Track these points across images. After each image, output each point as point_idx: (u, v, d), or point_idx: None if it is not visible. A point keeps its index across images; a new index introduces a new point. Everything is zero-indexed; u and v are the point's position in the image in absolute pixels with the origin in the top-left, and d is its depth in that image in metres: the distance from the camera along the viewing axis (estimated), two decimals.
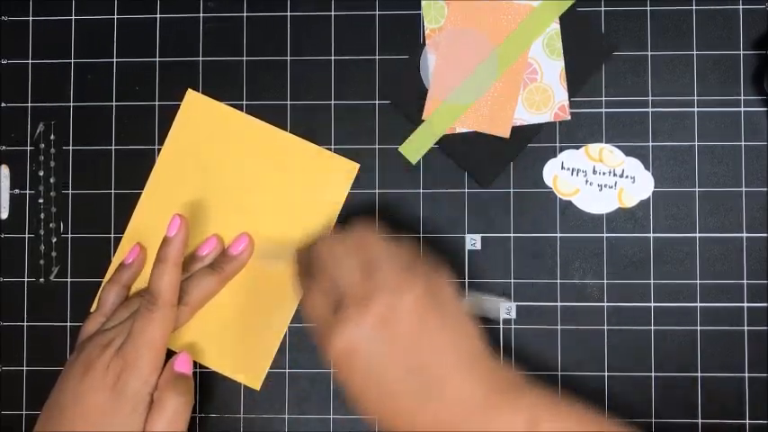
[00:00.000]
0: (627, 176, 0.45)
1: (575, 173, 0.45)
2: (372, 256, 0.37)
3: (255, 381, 0.45)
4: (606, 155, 0.45)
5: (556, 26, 0.45)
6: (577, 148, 0.45)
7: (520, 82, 0.45)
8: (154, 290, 0.41)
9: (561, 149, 0.45)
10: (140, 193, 0.47)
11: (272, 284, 0.46)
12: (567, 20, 0.45)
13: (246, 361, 0.45)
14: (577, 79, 0.45)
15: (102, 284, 0.46)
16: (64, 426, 0.39)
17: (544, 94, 0.45)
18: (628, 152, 0.45)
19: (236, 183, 0.46)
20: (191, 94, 0.46)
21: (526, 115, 0.45)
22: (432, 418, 0.34)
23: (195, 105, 0.46)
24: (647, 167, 0.45)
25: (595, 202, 0.45)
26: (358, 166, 0.46)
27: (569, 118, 0.45)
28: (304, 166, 0.46)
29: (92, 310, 0.46)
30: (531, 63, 0.45)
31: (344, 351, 0.35)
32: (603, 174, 0.45)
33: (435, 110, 0.45)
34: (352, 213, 0.46)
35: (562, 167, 0.45)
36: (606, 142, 0.45)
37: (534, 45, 0.45)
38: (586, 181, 0.45)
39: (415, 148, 0.45)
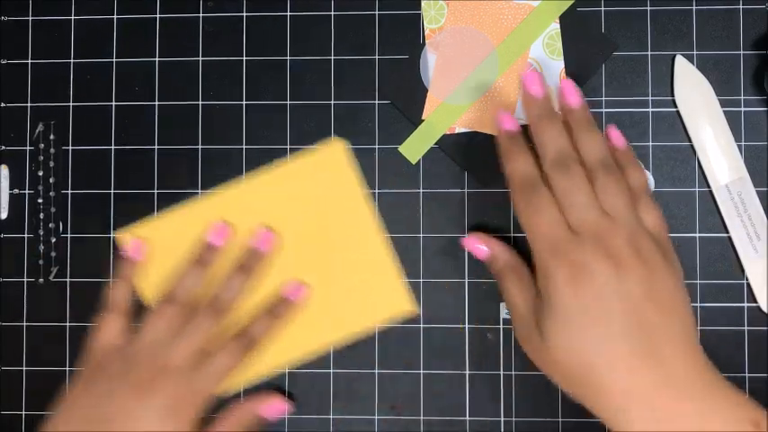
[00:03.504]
0: None
1: None
2: (605, 195, 0.37)
3: (408, 304, 0.45)
4: None
5: (556, 26, 0.45)
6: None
7: (519, 82, 0.45)
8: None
9: None
10: (140, 192, 0.46)
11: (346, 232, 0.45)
12: (567, 20, 0.45)
13: (385, 303, 0.45)
14: (578, 79, 0.45)
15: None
16: None
17: None
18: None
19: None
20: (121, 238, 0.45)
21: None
22: (650, 379, 0.34)
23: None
24: (645, 167, 0.45)
25: None
26: (342, 141, 0.46)
27: None
28: (298, 187, 0.45)
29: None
30: (531, 63, 0.45)
31: (581, 269, 0.35)
32: None
33: (435, 110, 0.45)
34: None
35: None
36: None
37: (534, 45, 0.45)
38: None
39: (414, 147, 0.45)
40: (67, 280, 0.46)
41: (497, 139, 0.41)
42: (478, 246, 0.43)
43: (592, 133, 0.39)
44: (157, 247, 0.45)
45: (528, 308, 0.38)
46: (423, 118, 0.45)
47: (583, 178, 0.37)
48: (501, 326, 0.45)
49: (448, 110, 0.45)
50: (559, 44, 0.45)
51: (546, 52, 0.45)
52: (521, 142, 0.40)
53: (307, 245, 0.45)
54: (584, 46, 0.45)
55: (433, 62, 0.45)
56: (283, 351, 0.45)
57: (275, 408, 0.44)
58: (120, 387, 0.40)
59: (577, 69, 0.45)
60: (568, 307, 0.35)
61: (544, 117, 0.39)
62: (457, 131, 0.45)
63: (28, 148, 0.47)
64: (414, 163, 0.45)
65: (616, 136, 0.41)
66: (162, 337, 0.42)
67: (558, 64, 0.45)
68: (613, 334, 0.35)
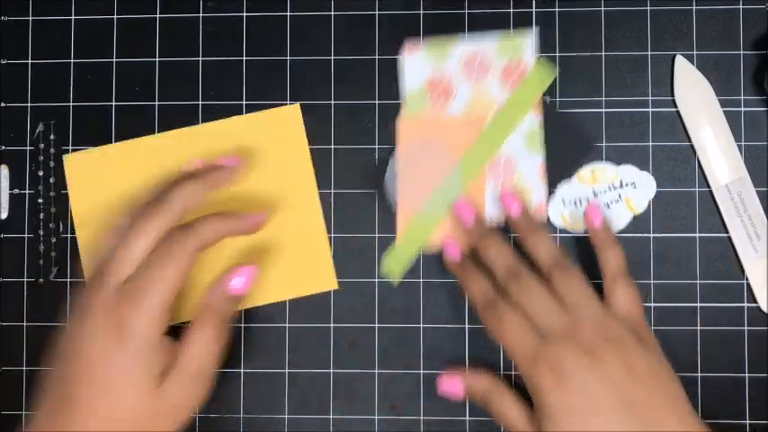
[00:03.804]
0: (626, 184, 0.45)
1: (578, 203, 0.45)
2: (565, 292, 0.40)
3: (331, 282, 0.45)
4: (598, 173, 0.45)
5: (537, 120, 0.45)
6: (569, 177, 0.45)
7: (485, 188, 0.45)
8: (178, 209, 0.39)
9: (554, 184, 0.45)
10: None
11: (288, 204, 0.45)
12: (547, 119, 0.45)
13: (309, 274, 0.45)
14: (557, 175, 0.45)
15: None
16: (64, 379, 0.37)
17: (521, 190, 0.45)
18: (618, 160, 0.45)
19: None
20: (69, 160, 0.46)
21: (500, 214, 0.45)
22: None
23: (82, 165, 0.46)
24: (642, 168, 0.45)
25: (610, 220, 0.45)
26: (297, 105, 0.46)
27: (546, 217, 0.45)
28: (248, 139, 0.46)
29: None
30: (510, 158, 0.44)
31: (560, 371, 0.37)
32: (604, 192, 0.45)
33: (407, 228, 0.45)
34: (352, 212, 0.46)
35: (564, 204, 0.45)
36: (606, 142, 0.45)
37: (514, 139, 0.44)
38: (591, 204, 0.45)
39: (394, 266, 0.45)
40: (67, 280, 0.46)
41: (447, 266, 0.43)
42: (452, 386, 0.43)
43: (538, 236, 0.42)
44: (103, 173, 0.46)
45: (525, 423, 0.39)
46: (397, 236, 0.45)
47: (536, 284, 0.40)
48: None
49: (421, 225, 0.45)
50: (540, 139, 0.45)
51: (525, 147, 0.44)
52: (469, 264, 0.43)
53: (245, 197, 0.46)
54: (565, 145, 0.45)
55: (396, 180, 0.45)
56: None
57: (243, 275, 0.40)
58: (71, 317, 0.39)
59: (557, 165, 0.45)
60: (560, 410, 0.37)
61: (483, 237, 0.42)
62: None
63: (28, 148, 0.47)
64: (396, 284, 0.45)
65: (593, 215, 0.43)
66: (104, 254, 0.39)
67: (537, 159, 0.45)
68: (610, 422, 0.36)
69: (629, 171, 0.45)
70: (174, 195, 0.40)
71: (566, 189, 0.45)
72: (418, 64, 0.45)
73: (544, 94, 0.45)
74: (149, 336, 0.37)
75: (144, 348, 0.37)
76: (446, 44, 0.45)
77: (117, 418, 0.37)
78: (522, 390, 0.40)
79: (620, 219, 0.45)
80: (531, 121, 0.45)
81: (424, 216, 0.45)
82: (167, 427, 0.38)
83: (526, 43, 0.45)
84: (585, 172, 0.45)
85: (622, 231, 0.45)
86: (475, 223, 0.43)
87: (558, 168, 0.45)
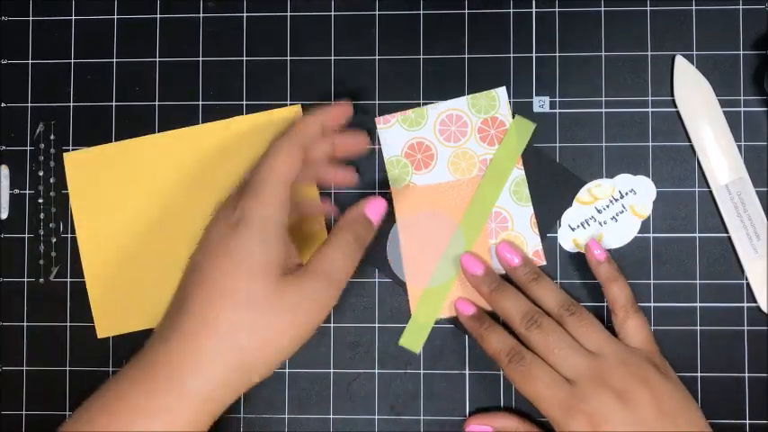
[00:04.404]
0: (626, 193, 0.45)
1: (585, 225, 0.45)
2: (582, 335, 0.40)
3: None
4: (595, 190, 0.45)
5: (520, 172, 0.45)
6: (570, 202, 0.45)
7: (488, 246, 0.45)
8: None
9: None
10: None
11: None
12: (529, 161, 0.45)
13: None
14: (549, 221, 0.45)
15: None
16: (186, 282, 0.37)
17: (516, 241, 0.45)
18: (610, 172, 0.45)
19: (202, 193, 0.46)
20: (69, 159, 0.46)
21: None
22: None
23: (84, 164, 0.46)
24: (634, 172, 0.45)
25: (621, 233, 0.45)
26: (298, 105, 0.46)
27: (545, 263, 0.45)
28: (248, 139, 0.46)
29: None
30: (501, 212, 0.45)
31: (594, 416, 0.38)
32: (607, 207, 0.45)
33: (419, 300, 0.45)
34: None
35: (572, 229, 0.45)
36: (607, 142, 0.45)
37: (502, 196, 0.45)
38: (600, 223, 0.45)
39: (413, 340, 0.45)
40: (67, 280, 0.46)
41: (463, 324, 0.43)
42: (481, 430, 0.44)
43: (541, 283, 0.42)
44: (103, 173, 0.46)
45: None
46: (411, 311, 0.45)
47: (557, 329, 0.40)
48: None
49: (432, 296, 0.45)
50: (526, 190, 0.45)
51: (513, 200, 0.45)
52: (485, 319, 0.43)
53: None
54: (550, 185, 0.45)
55: (398, 254, 0.45)
56: None
57: (376, 206, 0.41)
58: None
59: (547, 211, 0.45)
60: None
61: (495, 289, 0.43)
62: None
63: (28, 148, 0.47)
64: (417, 353, 0.45)
65: (595, 251, 0.43)
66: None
67: (528, 210, 0.45)
68: None
69: (624, 180, 0.45)
70: (297, 124, 0.40)
71: (569, 214, 0.45)
72: (394, 134, 0.45)
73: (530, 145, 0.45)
74: (265, 222, 0.37)
75: (260, 232, 0.36)
76: (419, 111, 0.45)
77: (230, 304, 0.36)
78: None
79: (630, 227, 0.45)
80: (516, 174, 0.45)
81: (435, 286, 0.45)
82: (284, 330, 0.37)
83: (499, 96, 0.45)
84: (583, 193, 0.45)
85: (635, 239, 0.45)
86: (485, 274, 0.43)
87: (552, 214, 0.45)
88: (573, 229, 0.45)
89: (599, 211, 0.45)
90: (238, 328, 0.36)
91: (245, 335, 0.36)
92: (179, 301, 0.37)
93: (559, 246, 0.45)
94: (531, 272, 0.43)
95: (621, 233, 0.45)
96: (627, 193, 0.45)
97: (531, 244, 0.45)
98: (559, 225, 0.45)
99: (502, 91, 0.45)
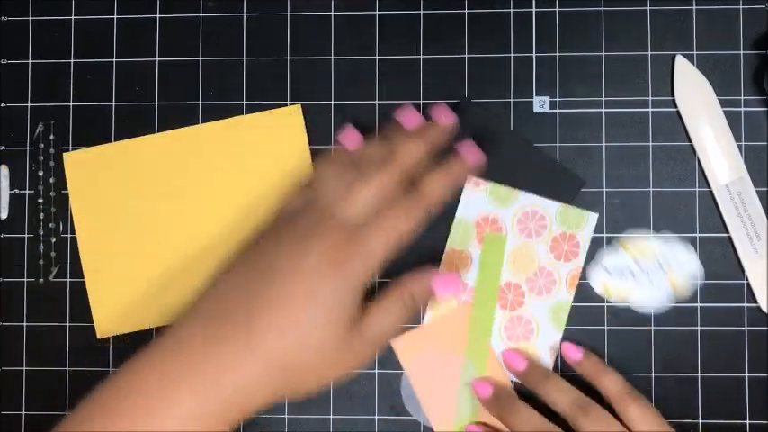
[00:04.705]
0: (671, 261, 0.44)
1: (621, 274, 0.44)
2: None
3: None
4: (643, 245, 0.44)
5: (569, 298, 0.44)
6: (610, 242, 0.44)
7: (498, 364, 0.44)
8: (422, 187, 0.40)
9: (595, 249, 0.45)
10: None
11: None
12: (530, 157, 0.45)
13: None
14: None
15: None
16: (276, 283, 0.36)
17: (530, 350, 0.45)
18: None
19: (202, 193, 0.46)
20: (69, 159, 0.46)
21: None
22: None
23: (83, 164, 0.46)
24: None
25: (650, 297, 0.44)
26: (298, 105, 0.46)
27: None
28: (250, 140, 0.46)
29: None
30: (529, 324, 0.44)
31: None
32: (648, 265, 0.44)
33: None
34: None
35: (608, 273, 0.44)
36: (607, 142, 0.45)
37: (540, 306, 0.44)
38: (634, 276, 0.44)
39: None
40: (67, 280, 0.46)
41: (487, 409, 0.43)
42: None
43: (552, 382, 0.41)
44: (103, 172, 0.46)
45: None
46: None
47: (609, 415, 0.40)
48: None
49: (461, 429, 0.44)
50: (566, 315, 0.44)
51: (549, 317, 0.44)
52: (511, 400, 0.42)
53: (243, 196, 0.46)
54: (550, 185, 0.45)
55: (415, 400, 0.45)
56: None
57: (452, 282, 0.40)
58: (286, 237, 0.38)
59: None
60: None
61: (541, 379, 0.42)
62: None
63: (28, 148, 0.47)
64: None
65: (572, 352, 0.43)
66: (333, 191, 0.39)
67: (556, 335, 0.44)
68: None
69: (675, 247, 0.44)
70: (401, 153, 0.40)
71: (609, 257, 0.44)
72: (477, 199, 0.45)
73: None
74: (361, 281, 0.37)
75: (352, 290, 0.37)
76: (510, 192, 0.45)
77: (292, 344, 0.36)
78: None
79: (661, 295, 0.44)
80: (563, 296, 0.44)
81: (461, 419, 0.44)
82: (323, 378, 0.38)
83: (589, 221, 0.44)
84: (630, 242, 0.44)
85: (660, 309, 0.44)
86: (529, 366, 0.43)
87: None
88: (608, 273, 0.44)
89: (639, 266, 0.44)
90: (289, 357, 0.36)
91: (292, 360, 0.36)
92: (239, 301, 0.37)
93: (588, 284, 0.45)
94: (540, 372, 0.42)
95: (650, 297, 0.44)
96: (672, 261, 0.44)
97: (544, 362, 0.44)
98: (595, 264, 0.44)
99: (594, 217, 0.44)
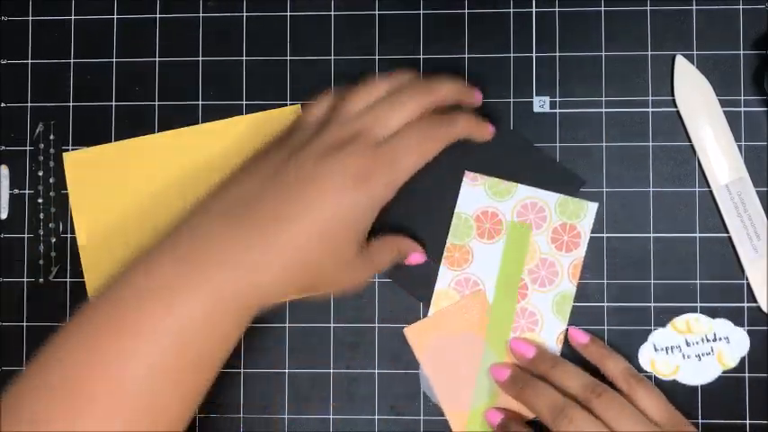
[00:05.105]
0: (720, 338, 0.44)
1: (669, 351, 0.44)
2: (616, 416, 0.39)
3: None
4: (693, 324, 0.44)
5: (572, 287, 0.44)
6: (664, 325, 0.44)
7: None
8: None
9: (648, 333, 0.44)
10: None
11: None
12: (528, 159, 0.45)
13: None
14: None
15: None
16: (303, 194, 0.36)
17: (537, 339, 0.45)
18: (713, 314, 0.44)
19: (202, 193, 0.45)
20: (69, 159, 0.46)
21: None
22: None
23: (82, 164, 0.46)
24: (737, 324, 0.44)
25: (698, 373, 0.44)
26: (298, 105, 0.46)
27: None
28: (248, 139, 0.46)
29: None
30: (533, 316, 0.44)
31: None
32: (697, 343, 0.44)
33: (467, 424, 0.44)
34: None
35: (655, 350, 0.44)
36: (607, 142, 0.45)
37: (543, 299, 0.44)
38: (684, 355, 0.44)
39: None
40: (67, 280, 0.46)
41: (503, 390, 0.43)
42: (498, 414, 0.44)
43: (561, 367, 0.42)
44: (103, 172, 0.46)
45: None
46: None
47: (620, 398, 0.40)
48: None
49: (477, 418, 0.44)
50: (569, 307, 0.44)
51: (553, 309, 0.44)
52: (525, 377, 0.42)
53: None
54: (551, 184, 0.44)
55: (430, 382, 0.45)
56: None
57: (416, 257, 0.44)
58: (312, 147, 0.38)
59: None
60: None
61: (553, 365, 0.42)
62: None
63: (28, 148, 0.47)
64: None
65: (578, 336, 0.43)
66: (360, 109, 0.40)
67: (560, 325, 0.44)
68: None
69: (724, 325, 0.44)
70: (440, 84, 0.41)
71: (659, 335, 0.44)
72: (475, 194, 0.45)
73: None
74: (383, 198, 0.38)
75: (373, 207, 0.38)
76: (510, 186, 0.45)
77: (313, 250, 0.37)
78: None
79: (709, 372, 0.44)
80: (566, 286, 0.44)
81: (477, 408, 0.44)
82: (336, 285, 0.40)
83: (589, 210, 0.45)
84: (680, 321, 0.44)
85: (710, 385, 0.44)
86: (537, 353, 0.43)
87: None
88: (656, 350, 0.44)
89: (687, 345, 0.44)
90: (314, 253, 0.37)
91: (315, 257, 0.37)
92: (260, 205, 0.37)
93: (638, 357, 0.44)
94: (549, 358, 0.43)
95: (699, 373, 0.44)
96: (721, 339, 0.44)
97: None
98: (644, 342, 0.44)
99: (593, 207, 0.45)
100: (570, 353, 0.44)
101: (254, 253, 0.35)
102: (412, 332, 0.45)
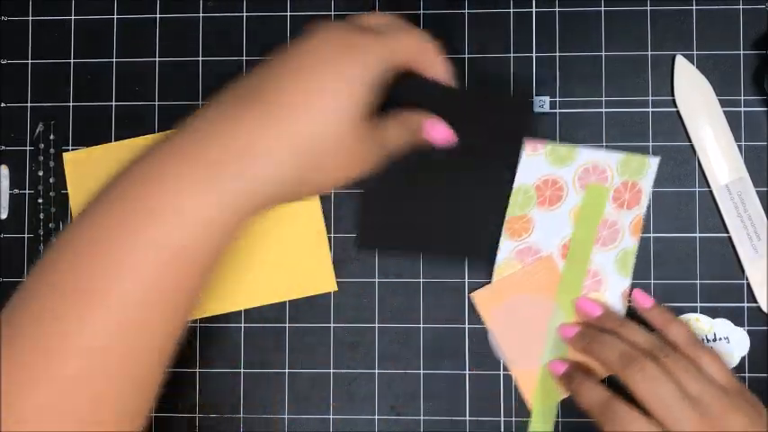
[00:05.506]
0: (720, 338, 0.44)
1: None
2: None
3: (330, 284, 0.46)
4: (693, 324, 0.44)
5: (634, 242, 0.44)
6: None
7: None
8: None
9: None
10: None
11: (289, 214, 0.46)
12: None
13: (308, 275, 0.46)
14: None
15: None
16: (272, 76, 0.36)
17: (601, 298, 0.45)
18: (713, 314, 0.44)
19: None
20: (69, 158, 0.46)
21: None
22: None
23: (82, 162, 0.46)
24: (737, 324, 0.44)
25: None
26: None
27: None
28: None
29: None
30: (596, 275, 0.44)
31: None
32: None
33: (538, 385, 0.44)
34: (352, 212, 0.46)
35: None
36: (607, 142, 0.45)
37: (605, 258, 0.44)
38: None
39: (543, 422, 0.44)
40: None
41: (570, 345, 0.43)
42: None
43: (628, 327, 0.42)
44: (103, 172, 0.45)
45: None
46: (528, 401, 0.44)
47: (686, 360, 0.40)
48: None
49: (547, 380, 0.44)
50: (632, 263, 0.44)
51: (615, 267, 0.44)
52: (593, 332, 0.42)
53: None
54: (506, 108, 0.43)
55: (499, 345, 0.45)
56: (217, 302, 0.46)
57: (442, 132, 0.40)
58: (322, 43, 0.37)
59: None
60: None
61: (620, 325, 0.42)
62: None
63: (28, 148, 0.47)
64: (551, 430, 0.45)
65: (643, 299, 0.44)
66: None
67: (624, 281, 0.44)
68: None
69: (724, 325, 0.44)
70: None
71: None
72: (536, 163, 0.44)
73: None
74: (378, 71, 0.36)
75: (369, 80, 0.36)
76: (571, 149, 0.44)
77: (315, 126, 0.35)
78: None
79: None
80: (627, 243, 0.44)
81: (546, 370, 0.44)
82: (342, 171, 0.37)
83: (650, 166, 0.44)
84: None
85: None
86: (604, 312, 0.43)
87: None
88: None
89: None
90: (312, 141, 0.35)
91: (315, 144, 0.35)
92: (263, 84, 0.36)
93: None
94: (616, 318, 0.43)
95: None
96: (721, 339, 0.44)
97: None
98: None
99: (655, 161, 0.44)
100: (633, 314, 0.44)
101: (260, 142, 0.34)
102: (479, 297, 0.45)
